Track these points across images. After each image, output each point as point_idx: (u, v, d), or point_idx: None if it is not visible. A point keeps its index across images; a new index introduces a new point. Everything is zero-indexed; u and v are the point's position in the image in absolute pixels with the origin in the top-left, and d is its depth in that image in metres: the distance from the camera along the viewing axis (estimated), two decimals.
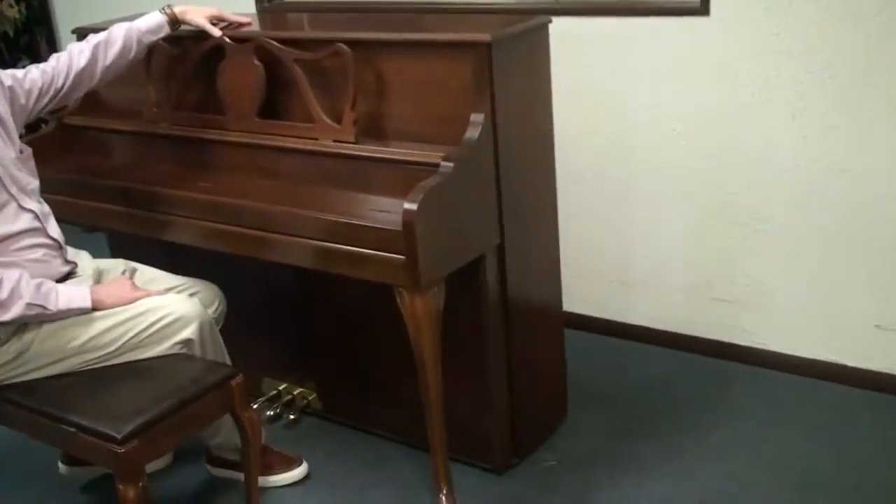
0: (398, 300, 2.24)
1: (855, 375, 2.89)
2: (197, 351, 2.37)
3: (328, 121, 2.48)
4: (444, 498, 2.43)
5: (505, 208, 2.39)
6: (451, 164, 2.20)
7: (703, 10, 2.80)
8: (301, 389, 2.97)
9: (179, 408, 2.15)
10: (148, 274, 2.62)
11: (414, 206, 2.12)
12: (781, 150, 2.80)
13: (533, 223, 2.55)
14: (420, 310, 2.21)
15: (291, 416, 2.90)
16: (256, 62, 2.58)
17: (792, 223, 2.86)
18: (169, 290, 2.54)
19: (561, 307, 2.78)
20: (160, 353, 2.34)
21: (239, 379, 2.28)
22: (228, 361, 2.48)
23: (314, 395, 2.94)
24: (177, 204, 2.58)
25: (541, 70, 2.48)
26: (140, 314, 2.33)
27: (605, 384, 3.06)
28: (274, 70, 2.58)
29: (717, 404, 2.88)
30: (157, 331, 2.33)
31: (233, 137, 2.65)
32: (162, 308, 2.35)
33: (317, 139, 2.50)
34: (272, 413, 2.92)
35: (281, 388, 2.99)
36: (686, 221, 3.05)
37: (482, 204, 2.33)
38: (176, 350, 2.35)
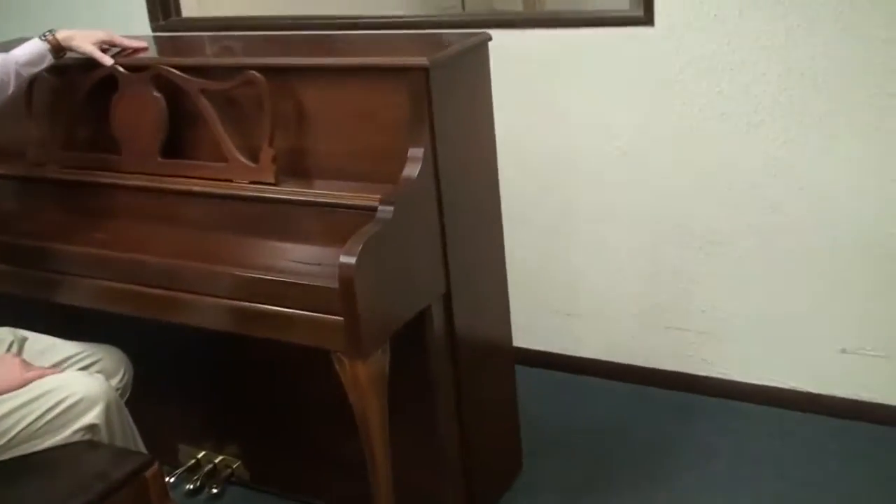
0: (336, 366, 1.95)
1: (823, 403, 2.71)
2: (104, 436, 2.03)
3: (243, 159, 2.17)
4: None
5: (450, 251, 2.12)
6: (390, 208, 1.92)
7: (646, 19, 2.58)
8: (223, 457, 2.64)
9: None
10: (41, 343, 2.27)
11: (352, 260, 1.83)
12: (736, 168, 2.61)
13: (480, 264, 2.29)
14: (363, 378, 1.92)
15: (214, 490, 2.57)
16: (156, 93, 2.24)
17: (749, 244, 2.67)
18: (67, 359, 2.20)
19: (512, 348, 2.52)
20: (61, 442, 2.00)
21: (154, 469, 1.95)
22: (140, 444, 2.15)
23: (238, 463, 2.62)
24: (67, 260, 2.23)
25: (482, 92, 2.22)
26: (34, 399, 1.97)
27: (561, 427, 2.82)
28: (178, 102, 2.25)
29: (682, 443, 2.67)
30: (56, 416, 1.98)
31: (131, 181, 2.30)
32: (60, 389, 2.01)
33: (231, 181, 2.19)
34: (192, 486, 2.59)
35: (200, 455, 2.66)
36: (635, 245, 2.83)
37: (426, 249, 2.06)
38: (79, 437, 2.01)
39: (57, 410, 1.98)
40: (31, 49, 2.26)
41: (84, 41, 2.29)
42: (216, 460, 2.64)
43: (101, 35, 2.32)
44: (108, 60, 2.29)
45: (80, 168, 2.40)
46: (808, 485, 2.44)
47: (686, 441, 2.68)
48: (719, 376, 2.84)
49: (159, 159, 2.28)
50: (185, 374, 2.62)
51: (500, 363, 2.46)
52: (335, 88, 2.10)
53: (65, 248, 2.24)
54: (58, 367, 2.19)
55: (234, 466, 2.62)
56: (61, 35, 2.28)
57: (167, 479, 2.58)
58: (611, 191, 2.80)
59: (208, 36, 2.88)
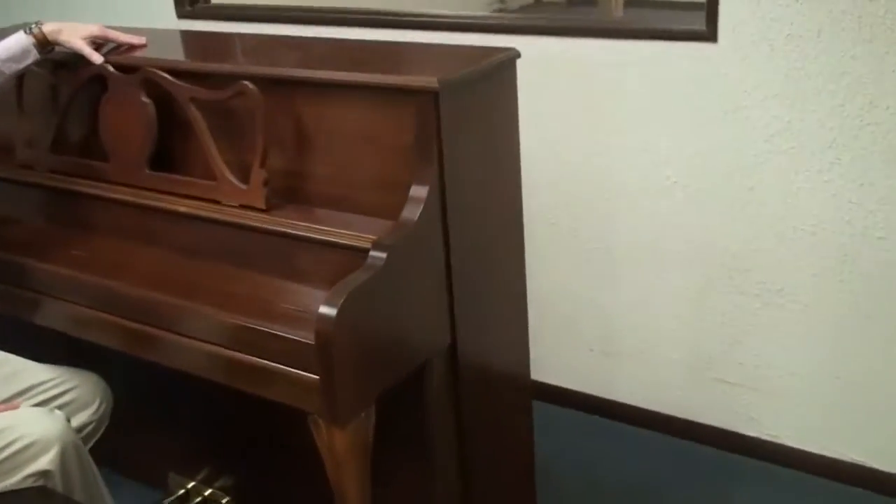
0: (312, 430, 1.70)
1: (886, 482, 2.37)
2: (58, 483, 1.83)
3: (233, 180, 1.93)
4: None
5: (458, 300, 1.85)
6: (382, 254, 1.66)
7: (709, 34, 2.25)
8: (213, 489, 2.43)
9: None
10: (10, 366, 2.08)
11: (331, 313, 1.58)
12: (803, 209, 2.27)
13: (496, 310, 2.01)
14: (340, 447, 1.67)
15: None
16: (144, 98, 2.02)
17: (813, 297, 2.34)
18: (37, 386, 2.01)
19: (529, 399, 2.24)
20: (9, 488, 1.80)
21: None
22: (104, 493, 1.94)
23: (228, 499, 2.40)
24: (40, 279, 2.04)
25: (506, 118, 1.94)
26: None
27: (584, 481, 2.54)
28: (170, 109, 2.02)
29: None
30: (5, 460, 1.79)
31: (117, 194, 2.08)
32: (11, 430, 1.81)
33: (219, 202, 1.95)
34: None
35: (189, 486, 2.45)
36: (683, 287, 2.52)
37: (427, 299, 1.79)
38: (30, 483, 1.81)
39: (6, 453, 1.79)
40: (14, 43, 2.05)
41: (73, 35, 2.07)
42: (206, 493, 2.43)
43: (93, 29, 2.10)
44: (97, 58, 2.07)
45: (68, 174, 2.19)
46: None
47: None
48: (769, 438, 2.52)
49: (147, 171, 2.06)
50: (178, 401, 2.40)
51: (514, 418, 2.19)
52: (337, 106, 1.85)
53: (40, 265, 2.05)
54: (26, 393, 2.02)
55: (223, 502, 2.41)
56: (48, 28, 2.06)
57: None
58: (658, 225, 2.49)
59: (225, 33, 2.64)
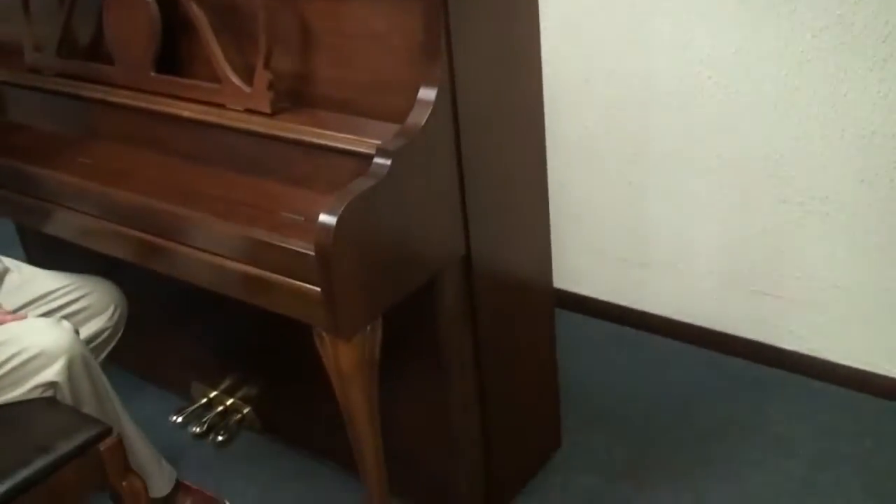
0: (317, 343, 1.64)
1: None
2: (66, 394, 1.81)
3: (237, 82, 1.83)
4: None
5: (472, 210, 1.75)
6: (386, 161, 1.56)
7: None
8: (235, 400, 2.41)
9: (20, 491, 1.59)
10: (25, 273, 2.06)
11: (331, 222, 1.49)
12: (853, 112, 2.11)
13: (513, 222, 1.91)
14: (345, 362, 1.61)
15: (220, 437, 2.35)
16: None
17: (860, 205, 2.19)
18: (49, 294, 1.99)
19: (552, 310, 2.15)
20: (16, 399, 1.78)
21: (111, 441, 1.71)
22: (116, 403, 1.92)
23: (249, 409, 2.39)
24: (45, 186, 1.98)
25: (525, 13, 1.80)
26: None
27: (614, 395, 2.46)
28: (173, 8, 1.92)
29: (755, 430, 2.28)
30: (11, 371, 1.77)
31: (122, 98, 2.00)
32: (16, 340, 1.78)
33: (223, 106, 1.86)
34: (199, 430, 2.37)
35: (212, 395, 2.44)
36: (721, 195, 2.38)
37: (438, 208, 1.69)
38: (38, 394, 1.79)
39: (12, 364, 1.76)
40: None
41: None
42: (228, 402, 2.42)
43: None
44: None
45: (75, 78, 2.12)
46: None
47: (759, 428, 2.29)
48: (808, 352, 2.41)
49: (152, 74, 1.97)
50: (201, 311, 2.37)
51: (535, 326, 2.10)
52: (342, 3, 1.72)
53: (45, 172, 1.99)
54: (37, 301, 2.00)
55: (245, 412, 2.39)
56: None
57: (176, 417, 2.40)
58: (695, 128, 2.34)
59: None
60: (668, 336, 2.63)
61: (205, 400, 2.44)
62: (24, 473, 1.60)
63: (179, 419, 2.40)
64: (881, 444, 2.19)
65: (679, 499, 2.10)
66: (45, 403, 1.78)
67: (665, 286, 2.59)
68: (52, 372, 1.78)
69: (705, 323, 2.56)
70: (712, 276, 2.49)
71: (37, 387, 1.78)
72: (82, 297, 2.02)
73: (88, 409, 1.84)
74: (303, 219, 1.66)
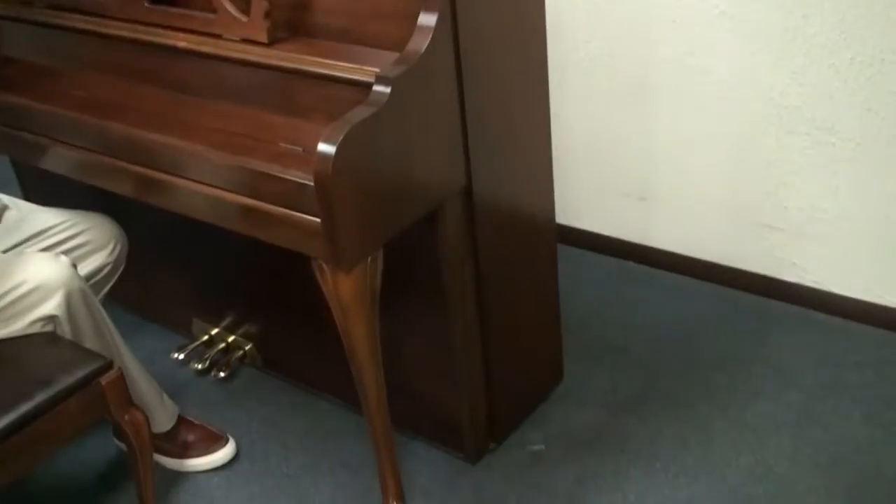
0: (317, 276, 1.63)
1: None
2: (66, 328, 1.80)
3: (234, 12, 1.79)
4: None
5: (473, 140, 1.72)
6: (385, 89, 1.53)
7: None
8: (236, 336, 2.41)
9: (21, 425, 1.59)
10: (24, 210, 2.05)
11: (330, 150, 1.47)
12: (862, 38, 2.06)
13: (515, 153, 1.88)
14: (346, 293, 1.60)
15: (221, 374, 2.35)
16: None
17: (867, 135, 2.16)
18: (48, 230, 1.98)
19: (555, 242, 2.14)
20: (16, 333, 1.78)
21: (113, 374, 1.71)
22: (116, 337, 1.91)
23: (251, 345, 2.39)
24: (40, 120, 1.95)
25: None
26: None
27: (617, 326, 2.46)
28: None
29: (757, 362, 2.28)
30: (9, 304, 1.76)
31: (116, 30, 1.96)
32: (14, 274, 1.77)
33: (219, 36, 1.82)
34: (201, 366, 2.37)
35: (213, 332, 2.44)
36: (726, 126, 2.35)
37: (438, 138, 1.67)
38: (38, 328, 1.79)
39: (9, 298, 1.76)
40: None
41: None
42: (229, 339, 2.42)
43: None
44: None
45: (68, 10, 2.07)
46: None
47: (760, 360, 2.29)
48: (812, 285, 2.40)
49: (146, 4, 1.93)
50: (203, 247, 2.35)
51: (537, 260, 2.09)
52: None
53: (40, 106, 1.96)
54: (36, 237, 1.99)
55: (247, 348, 2.39)
56: None
57: (177, 354, 2.40)
58: (701, 58, 2.30)
59: None
60: (671, 270, 2.61)
61: (206, 337, 2.44)
62: (26, 407, 1.61)
63: (181, 356, 2.40)
64: (882, 375, 2.20)
65: (681, 430, 2.11)
66: (46, 339, 1.78)
67: (668, 220, 2.57)
68: (51, 305, 1.77)
69: (708, 256, 2.55)
70: (716, 209, 2.47)
71: (36, 321, 1.78)
72: (81, 232, 2.01)
73: (89, 343, 1.83)
74: (301, 149, 1.64)
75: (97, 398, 1.69)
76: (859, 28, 2.05)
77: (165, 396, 2.11)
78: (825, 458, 2.00)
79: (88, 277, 1.96)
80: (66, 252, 1.95)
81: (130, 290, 2.42)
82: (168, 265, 2.49)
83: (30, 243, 1.95)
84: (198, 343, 2.43)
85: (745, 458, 2.02)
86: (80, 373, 1.67)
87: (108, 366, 1.71)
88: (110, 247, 2.05)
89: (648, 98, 2.43)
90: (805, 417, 2.10)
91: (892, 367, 2.21)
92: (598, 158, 2.60)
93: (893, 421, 2.07)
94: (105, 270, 2.05)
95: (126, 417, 1.74)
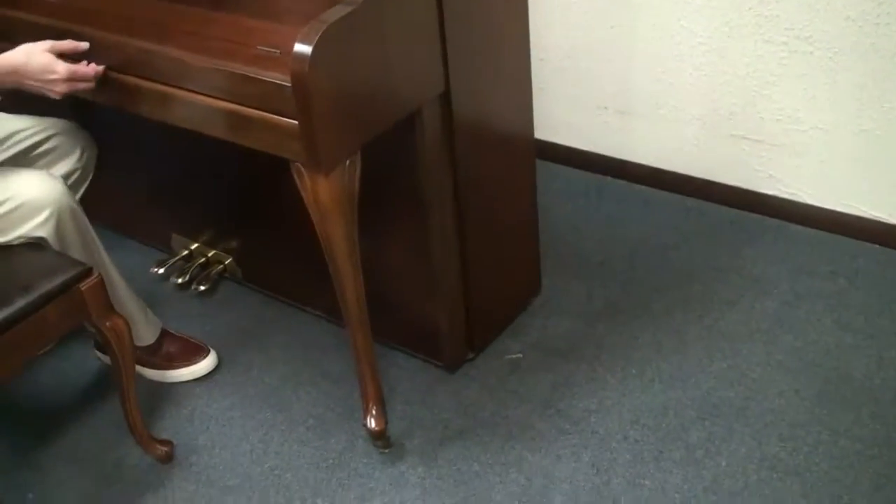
0: (296, 179, 1.63)
1: None
2: (53, 244, 1.80)
3: None
4: (371, 420, 1.92)
5: (451, 45, 1.71)
6: None
7: None
8: (216, 251, 2.41)
9: (4, 328, 1.60)
10: None
11: (306, 50, 1.46)
12: None
13: (494, 54, 1.87)
14: (324, 196, 1.60)
15: (202, 288, 2.36)
16: None
17: (845, 45, 2.16)
18: (14, 134, 1.96)
19: (533, 153, 2.14)
20: (2, 243, 1.78)
21: (93, 280, 1.71)
22: (100, 250, 1.90)
23: (230, 260, 2.39)
24: (13, 27, 1.91)
25: None
26: None
27: (593, 240, 2.48)
28: None
29: (731, 271, 2.32)
30: None
31: None
32: (1, 191, 1.76)
33: None
34: (181, 280, 2.38)
35: (193, 247, 2.44)
36: (704, 36, 2.34)
37: (417, 39, 1.65)
38: (24, 241, 1.78)
39: None
40: None
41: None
42: (209, 254, 2.42)
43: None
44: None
45: None
46: (875, 337, 2.08)
47: (735, 270, 2.32)
48: (788, 196, 2.42)
49: None
50: (181, 160, 2.34)
51: (516, 172, 2.09)
52: None
53: (12, 14, 1.92)
54: (5, 142, 1.97)
55: (227, 262, 2.40)
56: None
57: (157, 269, 2.41)
58: None
59: None
60: (648, 184, 2.63)
61: (185, 252, 2.44)
62: (6, 312, 1.61)
63: (161, 271, 2.40)
64: (854, 283, 2.24)
65: (656, 337, 2.15)
66: (30, 247, 1.77)
67: (646, 134, 2.58)
68: (37, 222, 1.76)
69: (685, 170, 2.56)
70: (693, 122, 2.48)
71: (22, 236, 1.77)
72: (49, 138, 1.99)
73: (75, 257, 1.83)
74: (279, 52, 1.62)
75: (77, 304, 1.69)
76: None
77: (149, 310, 2.11)
78: (796, 363, 2.04)
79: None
80: (34, 157, 1.94)
81: (109, 207, 2.41)
82: (146, 181, 2.47)
83: (1, 147, 1.93)
84: (177, 258, 2.43)
85: (719, 363, 2.07)
86: (60, 278, 1.67)
87: (88, 272, 1.71)
88: (77, 151, 2.03)
89: (627, 10, 2.42)
90: (778, 325, 2.14)
91: (864, 276, 2.25)
92: (574, 73, 2.59)
93: (863, 327, 2.11)
94: (75, 176, 2.03)
95: (107, 324, 1.75)
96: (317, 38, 1.46)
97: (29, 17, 1.90)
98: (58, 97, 1.76)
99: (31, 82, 1.74)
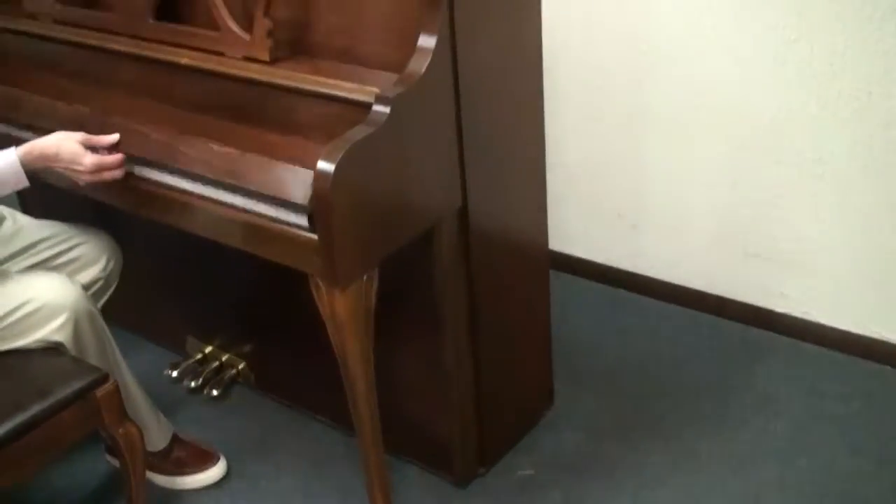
0: (313, 292, 1.65)
1: None
2: (71, 349, 1.81)
3: (236, 30, 1.83)
4: None
5: (469, 161, 1.75)
6: (385, 109, 1.56)
7: None
8: (230, 355, 2.42)
9: (16, 435, 1.60)
10: (20, 221, 2.06)
11: (329, 169, 1.50)
12: (851, 69, 2.11)
13: (511, 171, 1.91)
14: (341, 310, 1.62)
15: (215, 392, 2.36)
16: None
17: (854, 167, 2.20)
18: (42, 241, 1.99)
19: (547, 268, 2.16)
20: (21, 347, 1.79)
21: (108, 387, 1.72)
22: (116, 354, 1.92)
23: (244, 364, 2.40)
24: (43, 134, 1.96)
25: None
26: None
27: (606, 353, 2.48)
28: None
29: (742, 390, 2.30)
30: (15, 322, 1.77)
31: (121, 45, 1.99)
32: (23, 293, 1.79)
33: (222, 54, 1.85)
34: (194, 384, 2.38)
35: (207, 350, 2.45)
36: (717, 155, 2.39)
37: (436, 157, 1.70)
38: (42, 346, 1.80)
39: (16, 316, 1.77)
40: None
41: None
42: (223, 358, 2.43)
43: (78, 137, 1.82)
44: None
45: (73, 24, 2.10)
46: (890, 462, 2.05)
47: (748, 388, 2.31)
48: (800, 315, 2.43)
49: (150, 21, 1.97)
50: (199, 265, 2.37)
51: (530, 283, 2.11)
52: None
53: (43, 120, 1.98)
54: (29, 250, 2.00)
55: (240, 367, 2.40)
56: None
57: (171, 371, 2.41)
58: (692, 85, 2.35)
59: None
60: (661, 298, 2.64)
61: (200, 355, 2.45)
62: (22, 417, 1.61)
63: (175, 374, 2.41)
64: (868, 406, 2.22)
65: (669, 457, 2.12)
66: (43, 354, 1.78)
67: (658, 248, 2.60)
68: (57, 329, 1.78)
69: (698, 285, 2.57)
70: (706, 237, 2.50)
71: (40, 340, 1.78)
72: (75, 246, 2.02)
73: (91, 361, 1.84)
74: (301, 167, 1.66)
75: (92, 410, 1.70)
76: (848, 60, 2.10)
77: (161, 414, 2.11)
78: (809, 487, 2.01)
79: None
80: (61, 265, 1.97)
81: (125, 307, 2.42)
82: (163, 282, 2.50)
83: (24, 255, 1.96)
84: (191, 361, 2.44)
85: (732, 485, 2.04)
86: (76, 385, 1.68)
87: (104, 378, 1.72)
88: (103, 261, 2.05)
89: (640, 125, 2.47)
90: (791, 447, 2.12)
91: (878, 399, 2.24)
92: (590, 185, 2.63)
93: (879, 453, 2.08)
94: (98, 285, 2.05)
95: (120, 431, 1.75)
96: (340, 156, 1.50)
97: (57, 125, 1.95)
98: (84, 185, 1.81)
99: (60, 169, 1.79)
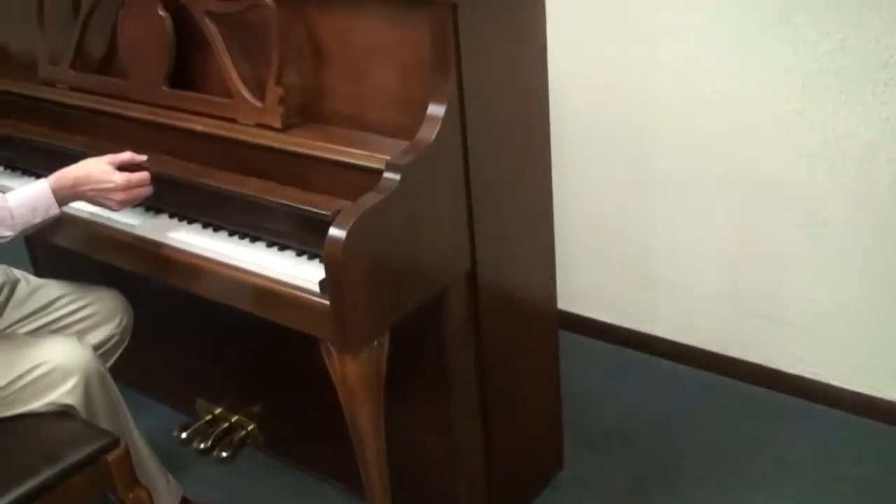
0: (324, 357, 1.65)
1: None
2: (82, 411, 1.81)
3: (249, 97, 1.86)
4: None
5: (478, 225, 1.77)
6: (395, 176, 1.58)
7: None
8: (239, 416, 2.42)
9: (28, 500, 1.60)
10: (33, 283, 2.08)
11: (340, 236, 1.51)
12: (855, 134, 2.13)
13: (519, 235, 1.93)
14: (352, 376, 1.62)
15: (224, 454, 2.35)
16: (161, 12, 1.95)
17: (861, 229, 2.21)
18: (56, 301, 2.01)
19: (556, 330, 2.17)
20: (32, 411, 1.80)
21: (119, 451, 1.72)
22: (126, 415, 1.92)
23: (253, 426, 2.39)
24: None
25: (531, 31, 1.83)
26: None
27: (617, 414, 2.47)
28: (187, 24, 1.95)
29: (755, 451, 2.29)
30: (26, 386, 1.78)
31: (135, 112, 2.03)
32: (33, 356, 1.80)
33: (235, 120, 1.88)
34: (203, 446, 2.37)
35: (216, 412, 2.45)
36: (724, 216, 2.41)
37: (445, 223, 1.71)
38: (53, 409, 1.80)
39: (27, 379, 1.78)
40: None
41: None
42: (232, 419, 2.43)
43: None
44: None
45: (88, 91, 2.14)
46: None
47: (760, 450, 2.29)
48: (810, 376, 2.42)
49: (164, 88, 2.00)
50: (208, 326, 2.38)
51: (539, 344, 2.12)
52: (353, 19, 1.75)
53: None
54: (44, 310, 2.02)
55: (250, 428, 2.40)
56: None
57: (180, 433, 2.41)
58: (698, 148, 2.37)
59: None
60: (670, 358, 2.64)
61: (209, 416, 2.45)
62: (33, 482, 1.61)
63: (184, 435, 2.40)
64: (882, 468, 2.20)
65: None
66: (53, 417, 1.78)
67: (669, 308, 2.60)
68: (68, 388, 1.79)
69: (707, 345, 2.57)
70: (716, 298, 2.50)
71: (52, 403, 1.79)
72: (88, 305, 2.04)
73: (103, 424, 1.84)
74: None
75: (103, 475, 1.70)
76: (852, 125, 2.12)
77: (170, 476, 2.11)
78: None
79: (95, 349, 1.98)
80: (73, 323, 1.99)
81: (135, 368, 2.43)
82: (172, 344, 2.51)
83: (40, 315, 1.98)
84: (200, 422, 2.43)
85: None
86: (87, 449, 1.68)
87: (115, 443, 1.72)
88: (117, 319, 2.07)
89: (649, 187, 2.49)
90: None
91: (891, 461, 2.22)
92: (599, 246, 2.65)
93: None
94: (111, 342, 2.07)
95: (130, 496, 1.75)
96: (352, 223, 1.51)
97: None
98: (118, 208, 1.81)
99: (91, 193, 1.80)
